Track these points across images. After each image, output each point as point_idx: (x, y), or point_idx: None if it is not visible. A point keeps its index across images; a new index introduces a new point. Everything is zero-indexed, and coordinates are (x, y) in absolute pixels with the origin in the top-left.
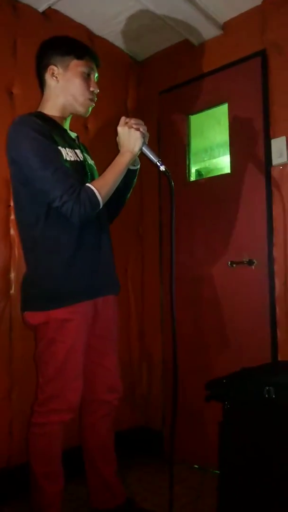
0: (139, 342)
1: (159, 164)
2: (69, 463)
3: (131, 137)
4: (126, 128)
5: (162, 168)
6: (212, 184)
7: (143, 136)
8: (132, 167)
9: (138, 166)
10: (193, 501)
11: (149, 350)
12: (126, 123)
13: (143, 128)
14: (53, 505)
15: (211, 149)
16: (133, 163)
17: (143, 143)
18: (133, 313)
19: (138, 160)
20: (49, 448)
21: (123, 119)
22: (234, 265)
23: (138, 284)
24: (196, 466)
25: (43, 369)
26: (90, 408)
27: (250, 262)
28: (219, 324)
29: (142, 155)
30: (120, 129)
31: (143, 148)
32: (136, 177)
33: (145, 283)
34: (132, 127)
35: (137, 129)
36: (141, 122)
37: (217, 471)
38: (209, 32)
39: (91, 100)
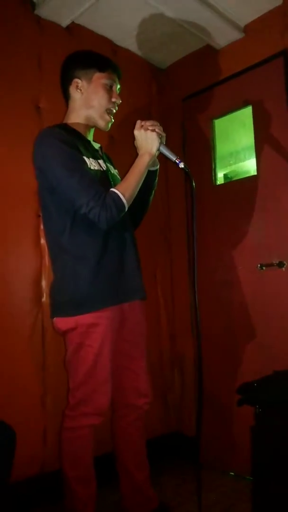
0: (171, 347)
1: (177, 162)
2: (102, 469)
3: (148, 139)
4: (142, 130)
5: (181, 165)
6: (239, 187)
7: (160, 136)
8: (151, 168)
9: (158, 167)
10: (227, 508)
11: (181, 355)
12: (142, 125)
13: (158, 129)
14: (86, 509)
15: (237, 152)
16: (152, 164)
17: (160, 143)
18: (164, 318)
19: (157, 161)
20: (81, 452)
21: (138, 122)
22: (264, 268)
23: (167, 288)
24: (232, 473)
25: (72, 374)
26: (121, 413)
27: (281, 264)
28: (250, 328)
29: (162, 156)
30: (136, 132)
31: (161, 148)
32: (157, 178)
33: (174, 288)
34: (148, 129)
35: (153, 130)
36: (156, 123)
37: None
38: (230, 35)
39: (111, 111)
